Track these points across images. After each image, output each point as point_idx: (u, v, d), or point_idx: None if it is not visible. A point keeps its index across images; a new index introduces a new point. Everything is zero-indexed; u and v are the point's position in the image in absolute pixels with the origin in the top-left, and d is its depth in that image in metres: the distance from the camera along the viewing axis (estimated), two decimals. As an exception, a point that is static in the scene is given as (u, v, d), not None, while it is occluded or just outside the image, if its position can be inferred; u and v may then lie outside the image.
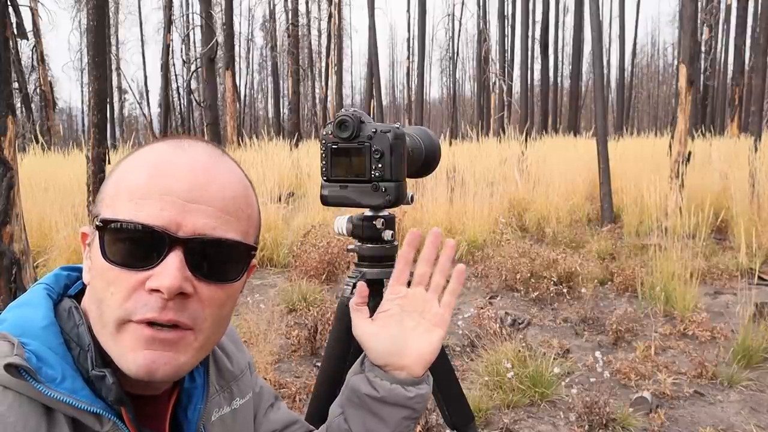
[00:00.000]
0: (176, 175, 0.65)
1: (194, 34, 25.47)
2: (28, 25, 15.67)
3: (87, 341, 0.65)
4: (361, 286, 0.89)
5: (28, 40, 15.45)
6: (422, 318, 0.85)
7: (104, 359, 0.65)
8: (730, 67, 25.36)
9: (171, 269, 0.62)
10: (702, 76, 22.27)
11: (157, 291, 0.62)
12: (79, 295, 0.72)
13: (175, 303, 0.62)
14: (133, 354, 0.62)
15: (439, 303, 0.87)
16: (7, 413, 0.58)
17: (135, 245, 0.63)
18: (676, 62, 32.78)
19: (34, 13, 17.63)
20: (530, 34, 23.80)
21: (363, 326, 0.86)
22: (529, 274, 4.89)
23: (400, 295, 0.87)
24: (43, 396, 0.59)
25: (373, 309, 1.40)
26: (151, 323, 0.62)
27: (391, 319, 0.85)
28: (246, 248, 0.69)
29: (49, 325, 0.64)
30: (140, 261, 0.63)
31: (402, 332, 0.84)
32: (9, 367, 0.58)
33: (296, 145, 13.67)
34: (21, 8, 13.57)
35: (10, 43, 4.12)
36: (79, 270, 0.74)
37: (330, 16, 23.77)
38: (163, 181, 0.64)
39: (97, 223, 0.64)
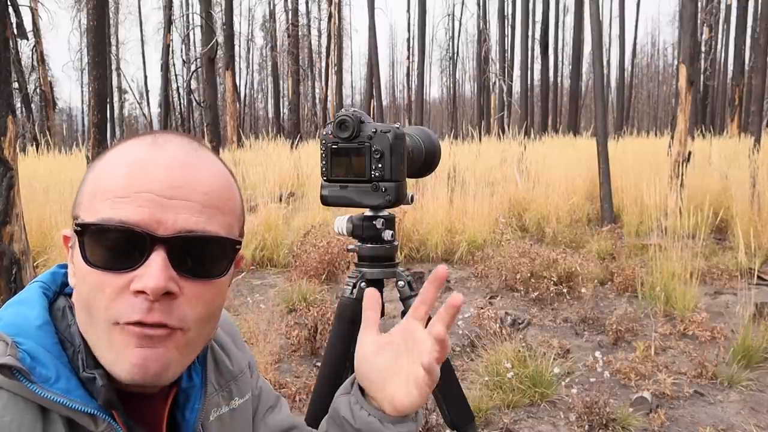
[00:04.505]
0: (153, 173, 0.63)
1: (194, 34, 25.47)
2: (28, 25, 15.65)
3: (78, 342, 0.65)
4: (371, 293, 0.82)
5: (28, 40, 15.43)
6: (411, 366, 0.75)
7: (95, 360, 0.64)
8: (730, 67, 25.39)
9: (154, 270, 0.60)
10: (702, 76, 22.27)
11: (142, 293, 0.61)
12: None
13: (161, 304, 0.61)
14: (125, 353, 0.61)
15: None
16: (2, 413, 0.58)
17: (116, 247, 0.62)
18: (676, 62, 32.79)
19: (34, 13, 17.61)
20: (530, 34, 23.82)
21: (364, 339, 0.80)
22: (529, 274, 4.89)
23: (408, 330, 0.77)
24: (37, 396, 0.59)
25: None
26: (139, 324, 0.61)
27: (389, 348, 0.78)
28: (230, 242, 0.68)
29: (44, 325, 0.64)
30: (122, 262, 0.62)
31: (390, 367, 0.77)
32: (2, 368, 0.57)
33: (296, 145, 13.66)
34: (21, 8, 13.58)
35: (10, 43, 4.12)
36: None
37: (330, 16, 23.76)
38: (140, 179, 0.63)
39: (75, 227, 0.63)
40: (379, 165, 1.21)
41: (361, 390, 0.80)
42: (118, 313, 0.61)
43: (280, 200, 7.75)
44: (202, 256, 0.65)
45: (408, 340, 0.77)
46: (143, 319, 0.61)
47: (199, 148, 0.69)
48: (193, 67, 19.85)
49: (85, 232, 0.62)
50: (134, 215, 0.61)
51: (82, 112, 37.37)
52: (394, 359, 0.77)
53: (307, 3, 31.84)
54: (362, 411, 0.77)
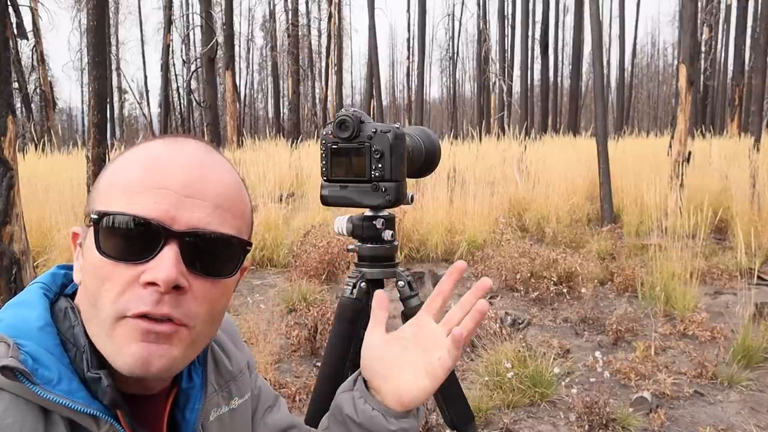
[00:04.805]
0: (171, 170, 0.65)
1: (194, 34, 25.47)
2: (28, 25, 15.64)
3: (82, 342, 0.65)
4: (382, 296, 0.85)
5: (28, 40, 15.42)
6: (422, 358, 0.78)
7: (100, 361, 0.64)
8: (730, 67, 25.38)
9: (167, 262, 0.61)
10: (702, 76, 22.27)
11: (153, 284, 0.61)
12: (75, 295, 0.71)
13: (170, 297, 0.62)
14: (128, 347, 0.61)
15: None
16: (4, 415, 0.58)
17: (130, 238, 0.63)
18: (676, 62, 32.78)
19: (34, 13, 17.60)
20: (530, 34, 23.82)
21: (372, 332, 0.82)
22: (529, 274, 4.89)
23: (420, 324, 0.81)
24: (39, 398, 0.59)
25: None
26: (145, 317, 0.61)
27: (398, 342, 0.80)
28: (241, 243, 0.69)
29: (45, 326, 0.64)
30: (135, 254, 0.62)
31: (397, 360, 0.78)
32: (4, 370, 0.57)
33: (296, 145, 13.67)
34: (21, 8, 13.58)
35: (10, 43, 4.12)
36: None
37: (330, 16, 23.77)
38: (158, 175, 0.64)
39: (93, 216, 0.64)
40: (379, 165, 1.21)
41: (365, 386, 0.81)
42: (126, 305, 0.61)
43: (280, 200, 7.74)
44: (213, 254, 0.66)
45: (418, 334, 0.79)
46: (151, 311, 0.61)
47: (216, 153, 0.72)
48: (193, 67, 19.85)
49: (101, 221, 0.63)
50: (150, 208, 0.63)
51: (82, 112, 37.34)
52: (402, 352, 0.79)
53: (307, 3, 31.87)
54: (366, 405, 0.78)
